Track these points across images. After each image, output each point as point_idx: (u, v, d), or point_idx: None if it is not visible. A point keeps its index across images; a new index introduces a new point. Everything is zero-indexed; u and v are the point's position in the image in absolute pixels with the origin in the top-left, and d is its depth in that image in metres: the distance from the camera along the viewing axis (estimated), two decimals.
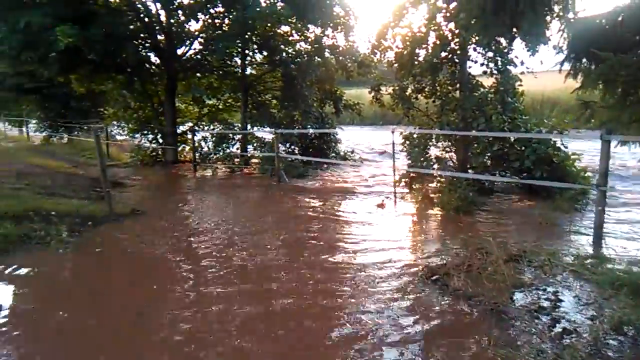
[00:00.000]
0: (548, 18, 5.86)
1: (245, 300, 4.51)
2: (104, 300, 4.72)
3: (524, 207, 8.39)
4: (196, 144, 14.58)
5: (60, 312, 4.37)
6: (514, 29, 5.98)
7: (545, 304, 4.16)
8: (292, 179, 11.89)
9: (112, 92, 17.42)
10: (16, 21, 11.06)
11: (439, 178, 8.92)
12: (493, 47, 9.06)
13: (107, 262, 5.96)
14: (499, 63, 9.30)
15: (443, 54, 9.31)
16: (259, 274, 5.27)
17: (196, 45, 15.10)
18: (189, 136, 15.21)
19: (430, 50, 9.32)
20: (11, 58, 12.52)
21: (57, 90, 20.63)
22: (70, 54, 11.87)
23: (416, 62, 9.63)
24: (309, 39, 14.98)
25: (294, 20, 13.98)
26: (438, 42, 9.20)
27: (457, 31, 8.79)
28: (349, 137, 18.01)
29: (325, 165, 14.25)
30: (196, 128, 15.88)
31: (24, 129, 27.05)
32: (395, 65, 10.04)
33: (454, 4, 8.57)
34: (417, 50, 9.54)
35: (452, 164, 9.67)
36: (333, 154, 15.48)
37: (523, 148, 8.68)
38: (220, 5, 13.68)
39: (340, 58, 15.05)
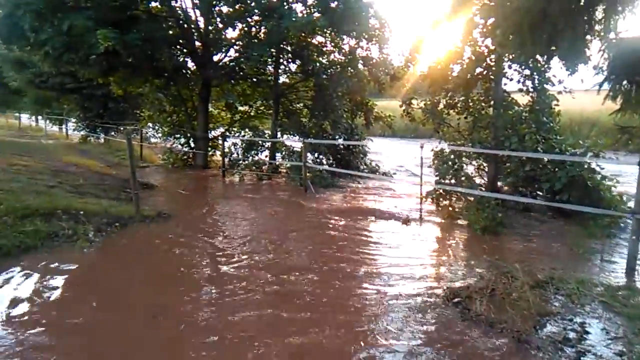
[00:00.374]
0: (588, 37, 5.67)
1: (263, 308, 4.49)
2: (122, 301, 4.77)
3: (554, 231, 8.09)
4: (226, 150, 14.73)
5: (76, 311, 4.43)
6: (552, 47, 5.81)
7: (571, 335, 3.98)
8: (319, 189, 11.86)
9: (149, 95, 17.85)
10: (60, 23, 11.48)
11: (467, 196, 8.74)
12: (530, 65, 8.86)
13: (129, 263, 6.04)
14: (536, 81, 9.08)
15: (478, 70, 9.17)
16: (278, 283, 5.24)
17: (231, 53, 15.34)
18: (220, 142, 15.39)
19: (465, 66, 9.18)
20: (54, 59, 12.94)
21: (96, 91, 21.35)
22: (110, 56, 12.23)
23: (450, 77, 9.50)
24: (343, 50, 15.01)
25: (329, 31, 14.03)
26: (473, 58, 9.07)
27: (493, 47, 8.63)
28: (378, 149, 17.89)
29: (353, 177, 14.16)
30: (227, 134, 16.07)
31: (63, 127, 27.97)
32: (428, 79, 9.93)
33: (491, 20, 8.42)
34: (451, 65, 9.42)
35: (481, 183, 9.45)
36: (361, 166, 15.37)
37: (556, 169, 8.41)
38: (257, 14, 13.86)
39: (373, 70, 14.99)
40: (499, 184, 9.38)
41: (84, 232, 6.57)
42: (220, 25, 14.50)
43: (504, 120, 8.86)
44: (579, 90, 9.00)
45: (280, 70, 15.90)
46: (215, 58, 15.26)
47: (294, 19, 12.22)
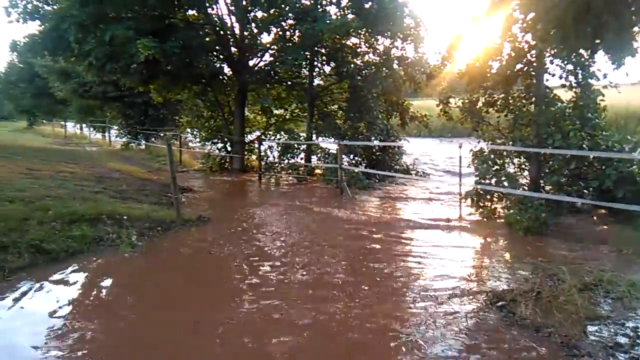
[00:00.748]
0: (635, 29, 5.42)
1: (302, 315, 4.48)
2: (163, 305, 4.86)
3: (602, 231, 7.76)
4: (262, 153, 14.88)
5: (120, 314, 4.56)
6: (597, 41, 5.58)
7: (623, 340, 3.80)
8: (356, 191, 11.80)
9: (187, 101, 18.26)
10: (103, 34, 11.90)
11: (509, 196, 8.50)
12: (573, 59, 8.54)
13: (171, 267, 6.16)
14: (579, 76, 8.74)
15: (518, 66, 8.91)
16: (317, 288, 5.22)
17: (266, 57, 15.52)
18: (256, 145, 15.57)
19: (504, 62, 8.95)
20: (98, 68, 13.42)
21: (137, 98, 22.04)
22: (150, 65, 12.58)
23: (488, 75, 9.28)
24: (378, 51, 14.92)
25: (363, 32, 13.98)
26: (513, 54, 8.82)
27: (534, 43, 8.37)
28: (415, 149, 17.68)
29: (389, 179, 14.04)
30: (263, 137, 16.23)
31: (106, 134, 28.94)
32: (466, 77, 9.73)
33: (531, 15, 8.17)
34: (490, 62, 9.20)
35: (523, 182, 9.18)
36: (398, 167, 15.22)
37: (603, 167, 8.07)
38: (291, 18, 13.96)
39: (409, 70, 14.84)
40: (542, 183, 9.08)
41: (128, 237, 6.74)
42: (255, 31, 14.70)
43: (546, 117, 8.57)
44: (625, 84, 8.64)
45: (314, 73, 15.97)
46: (251, 63, 15.47)
47: (328, 22, 12.25)
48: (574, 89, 8.87)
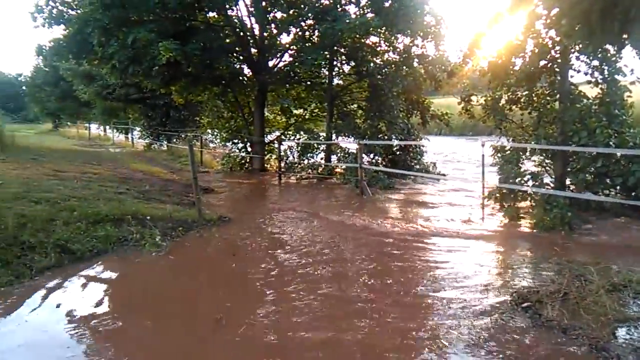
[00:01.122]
0: None
1: (323, 317, 4.47)
2: (186, 303, 4.92)
3: (629, 230, 7.56)
4: (282, 153, 14.93)
5: (144, 311, 4.63)
6: (624, 36, 5.44)
7: None
8: (376, 190, 11.75)
9: (208, 102, 18.42)
10: (125, 37, 12.09)
11: (533, 195, 8.35)
12: (599, 55, 8.34)
13: (193, 266, 6.24)
14: (606, 72, 8.53)
15: (542, 63, 8.74)
16: (339, 289, 5.21)
17: (286, 58, 15.56)
18: (276, 145, 15.62)
19: (527, 59, 8.79)
20: (121, 71, 13.67)
21: (159, 100, 22.37)
22: (171, 67, 12.74)
23: (511, 72, 9.13)
24: (398, 49, 14.82)
25: (383, 31, 13.90)
26: (537, 51, 8.65)
27: (558, 39, 8.20)
28: (436, 148, 17.50)
29: (410, 178, 13.93)
30: (283, 137, 16.27)
31: (129, 135, 29.40)
32: (489, 74, 9.58)
33: (555, 11, 8.00)
34: (513, 59, 9.04)
35: (548, 181, 9.00)
36: (418, 166, 15.10)
37: (630, 164, 7.87)
38: (310, 18, 13.96)
39: (430, 68, 14.71)
40: (567, 181, 8.89)
41: (151, 237, 6.83)
42: (275, 31, 14.76)
43: (571, 114, 8.39)
44: None
45: (334, 73, 15.94)
46: (270, 63, 15.53)
47: (347, 21, 12.21)
48: (599, 85, 8.66)
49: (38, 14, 13.05)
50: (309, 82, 16.49)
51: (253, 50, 15.45)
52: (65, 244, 6.12)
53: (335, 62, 15.59)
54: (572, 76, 8.83)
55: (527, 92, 9.38)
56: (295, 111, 17.97)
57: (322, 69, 15.92)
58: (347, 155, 14.24)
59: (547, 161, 9.20)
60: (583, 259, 5.87)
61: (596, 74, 8.63)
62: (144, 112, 25.56)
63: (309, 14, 13.84)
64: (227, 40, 14.91)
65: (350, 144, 14.61)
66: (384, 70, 14.58)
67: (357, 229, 8.09)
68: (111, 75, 14.92)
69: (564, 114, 8.49)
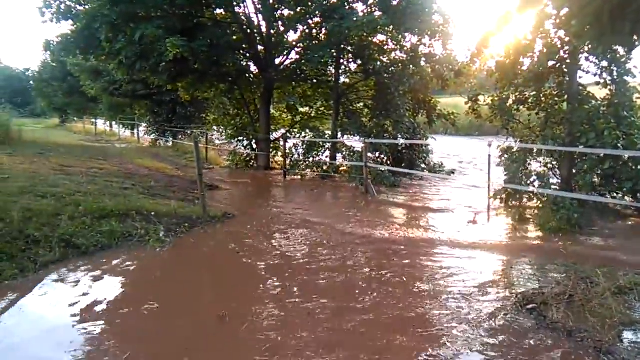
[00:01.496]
0: None
1: (327, 314, 4.46)
2: (191, 300, 4.92)
3: (636, 233, 7.50)
4: (287, 151, 14.91)
5: (147, 308, 4.61)
6: (635, 37, 5.37)
7: None
8: (381, 189, 11.72)
9: (214, 99, 18.45)
10: (133, 33, 12.11)
11: (539, 196, 8.30)
12: (608, 56, 8.26)
13: (197, 263, 6.23)
14: (615, 73, 8.45)
15: (550, 63, 8.67)
16: (342, 289, 5.19)
17: (293, 55, 15.53)
18: (281, 143, 15.61)
19: (536, 59, 8.72)
20: (128, 67, 13.70)
21: (165, 96, 22.37)
22: (178, 63, 12.75)
23: (519, 72, 9.06)
24: (405, 48, 14.76)
25: (391, 29, 13.85)
26: (545, 51, 8.58)
27: (567, 39, 8.12)
28: (442, 148, 17.45)
29: (416, 177, 13.89)
30: (288, 135, 16.26)
31: (135, 131, 29.48)
32: (496, 74, 9.52)
33: (565, 11, 7.93)
34: (521, 59, 8.97)
35: (555, 182, 8.94)
36: (424, 166, 15.06)
37: (638, 167, 7.80)
38: (318, 15, 13.93)
39: (437, 67, 14.65)
40: (574, 183, 8.83)
41: (156, 232, 6.84)
42: (282, 29, 14.72)
43: (579, 115, 8.32)
44: None
45: (340, 71, 15.90)
46: (277, 61, 15.51)
47: (355, 19, 12.17)
48: (608, 87, 8.58)
49: (46, 9, 13.08)
50: (315, 80, 16.46)
51: (260, 48, 15.43)
52: (70, 238, 6.14)
53: (342, 60, 15.54)
54: (580, 77, 8.76)
55: (535, 93, 9.32)
56: (301, 109, 17.95)
57: (329, 67, 15.89)
58: (352, 154, 14.21)
59: (554, 162, 9.14)
60: (589, 261, 5.82)
61: (605, 75, 8.55)
62: (151, 108, 25.60)
63: (317, 12, 13.80)
64: (234, 38, 14.91)
65: (355, 143, 14.58)
66: (390, 69, 14.53)
67: (362, 227, 8.09)
68: (118, 71, 14.94)
69: (572, 115, 8.42)
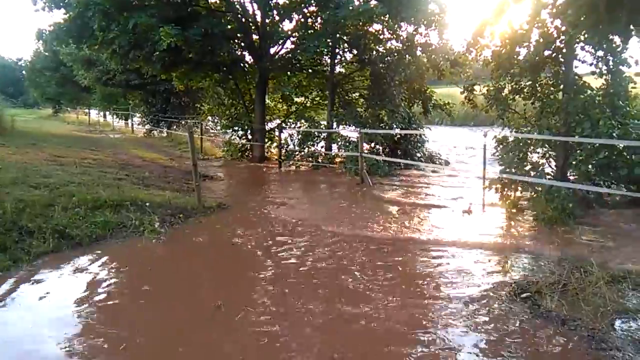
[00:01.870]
0: None
1: (322, 301, 4.48)
2: (186, 290, 4.92)
3: (630, 222, 7.51)
4: (282, 141, 14.86)
5: (142, 299, 4.63)
6: (631, 26, 5.36)
7: None
8: (376, 178, 11.72)
9: (209, 89, 18.32)
10: (126, 22, 11.96)
11: (534, 186, 8.31)
12: (604, 46, 8.24)
13: (192, 253, 6.21)
14: (610, 63, 8.44)
15: (546, 53, 8.65)
16: (336, 276, 5.20)
17: (288, 45, 15.40)
18: (277, 133, 15.56)
19: (532, 49, 8.69)
20: (121, 56, 13.56)
21: (159, 86, 22.26)
22: (172, 52, 12.62)
23: (515, 61, 9.04)
24: (401, 37, 14.68)
25: (387, 18, 13.76)
26: (541, 40, 8.55)
27: (563, 28, 8.10)
28: (437, 138, 17.45)
29: (410, 167, 13.89)
30: (283, 125, 16.20)
31: (129, 121, 29.32)
32: (492, 64, 9.49)
33: (561, 0, 7.90)
34: (517, 49, 8.94)
35: (550, 172, 8.96)
36: (419, 155, 15.06)
37: (633, 156, 7.82)
38: (313, 4, 13.81)
39: (433, 57, 14.59)
40: (569, 172, 8.85)
41: (150, 223, 6.80)
42: (277, 18, 14.57)
43: (575, 105, 8.31)
44: None
45: (336, 61, 15.81)
46: (272, 50, 15.37)
47: (350, 8, 12.06)
48: (604, 76, 8.57)
49: None
50: (310, 70, 16.36)
51: (255, 37, 15.30)
52: (63, 229, 6.11)
53: (337, 50, 15.44)
54: (576, 67, 8.74)
55: (530, 82, 9.29)
56: (296, 99, 17.86)
57: (324, 57, 15.77)
58: (348, 144, 14.18)
59: (550, 152, 9.15)
60: (583, 251, 5.86)
61: (601, 64, 8.53)
62: (145, 98, 25.47)
63: (312, 1, 13.68)
64: (229, 27, 14.76)
65: (351, 133, 14.55)
66: (386, 59, 14.45)
67: (355, 212, 8.10)
68: (112, 61, 14.77)
69: (568, 104, 8.42)
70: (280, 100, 17.99)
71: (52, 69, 36.22)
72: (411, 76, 14.61)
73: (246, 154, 16.63)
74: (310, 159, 14.59)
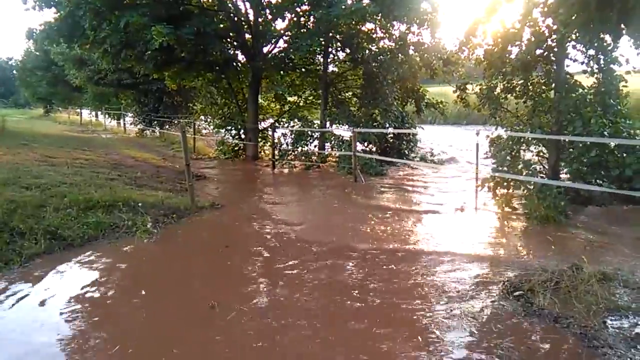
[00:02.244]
0: None
1: (316, 300, 4.48)
2: (179, 291, 4.89)
3: (622, 221, 7.57)
4: (276, 141, 14.83)
5: (136, 300, 4.60)
6: (622, 25, 5.40)
7: None
8: (369, 177, 11.73)
9: (201, 88, 18.24)
10: (118, 21, 11.88)
11: (526, 184, 8.36)
12: (595, 44, 8.30)
13: (185, 253, 6.17)
14: (601, 61, 8.50)
15: (538, 52, 8.69)
16: (331, 275, 5.20)
17: (280, 44, 15.36)
18: (270, 132, 15.52)
19: (524, 48, 8.73)
20: (113, 55, 13.46)
21: (152, 86, 22.14)
22: (164, 52, 12.56)
23: (507, 60, 9.08)
24: (393, 36, 14.70)
25: (379, 17, 13.76)
26: (533, 39, 8.59)
27: (555, 27, 8.14)
28: (429, 136, 17.50)
29: (403, 165, 13.92)
30: (276, 125, 16.16)
31: (121, 121, 29.15)
32: (484, 63, 9.53)
33: None
34: (509, 48, 8.98)
35: (542, 170, 9.01)
36: (412, 154, 15.09)
37: (624, 155, 7.88)
38: (306, 3, 13.78)
39: (425, 55, 14.62)
40: (561, 171, 8.91)
41: (143, 223, 6.76)
42: (270, 17, 14.53)
43: (566, 103, 8.37)
44: None
45: (329, 60, 15.80)
46: (265, 50, 15.33)
47: (343, 7, 12.05)
48: (595, 75, 8.63)
49: None
50: (303, 69, 16.33)
51: (247, 36, 15.25)
52: (55, 230, 6.07)
53: (330, 49, 15.43)
54: (568, 65, 8.81)
55: (522, 81, 9.35)
56: (289, 98, 17.83)
57: (317, 56, 15.76)
58: (341, 143, 14.18)
59: (542, 151, 9.21)
60: (575, 248, 5.90)
61: (592, 63, 8.59)
62: (137, 97, 25.32)
63: (304, 0, 13.66)
64: (221, 26, 14.69)
65: (344, 132, 14.54)
66: (379, 58, 14.46)
67: (348, 211, 8.12)
68: (103, 60, 14.66)
69: (559, 103, 8.47)
70: (274, 100, 17.94)
71: (43, 68, 35.91)
72: (404, 75, 14.62)
73: (239, 153, 16.58)
74: (304, 158, 14.57)
